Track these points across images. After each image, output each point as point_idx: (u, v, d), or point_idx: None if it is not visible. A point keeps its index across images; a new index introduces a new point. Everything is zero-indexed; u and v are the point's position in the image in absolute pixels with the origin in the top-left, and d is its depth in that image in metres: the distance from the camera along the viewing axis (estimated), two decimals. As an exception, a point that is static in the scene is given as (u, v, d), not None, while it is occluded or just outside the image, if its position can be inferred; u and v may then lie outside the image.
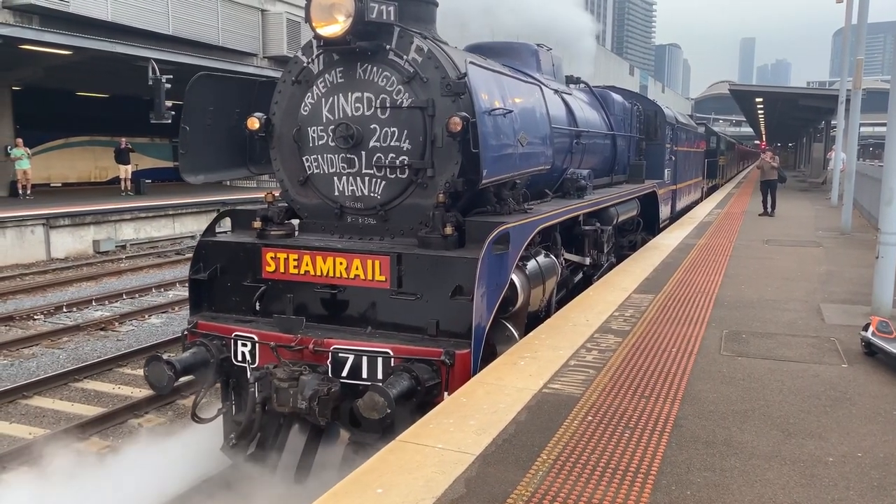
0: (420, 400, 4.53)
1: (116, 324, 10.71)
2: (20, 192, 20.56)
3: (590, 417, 3.93)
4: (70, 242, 16.86)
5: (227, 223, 6.23)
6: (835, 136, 23.76)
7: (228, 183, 21.58)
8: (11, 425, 7.06)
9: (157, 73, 18.29)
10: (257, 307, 5.54)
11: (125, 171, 23.98)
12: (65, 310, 11.54)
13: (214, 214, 6.52)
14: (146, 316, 11.22)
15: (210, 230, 5.95)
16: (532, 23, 9.56)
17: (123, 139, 24.48)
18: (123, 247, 17.93)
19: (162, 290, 13.22)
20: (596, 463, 3.38)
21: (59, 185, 26.56)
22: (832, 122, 29.67)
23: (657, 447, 3.58)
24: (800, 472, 3.37)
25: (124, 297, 12.60)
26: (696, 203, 19.34)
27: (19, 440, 6.63)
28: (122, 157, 24.07)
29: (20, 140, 20.79)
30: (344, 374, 4.80)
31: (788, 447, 3.64)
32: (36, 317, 11.09)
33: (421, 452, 3.46)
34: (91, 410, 7.38)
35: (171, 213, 19.83)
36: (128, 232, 18.44)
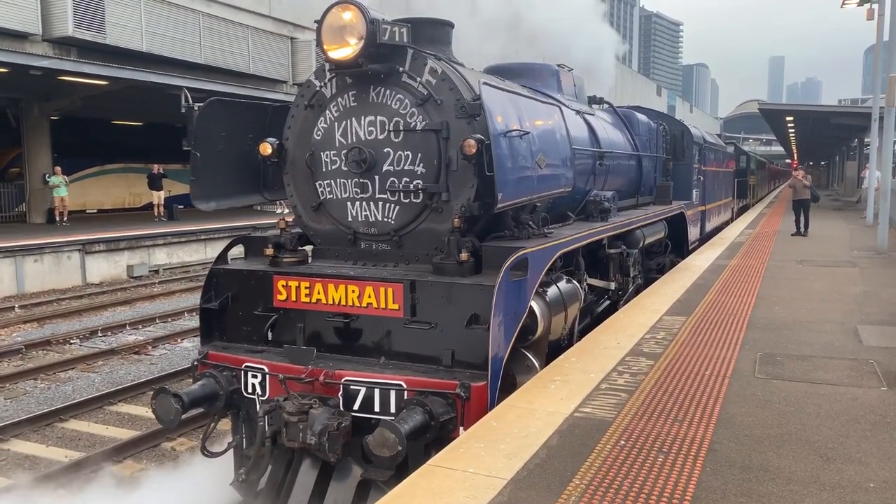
0: (434, 435, 4.34)
1: (150, 348, 10.86)
2: (57, 218, 21.07)
3: (622, 442, 3.89)
4: (105, 268, 17.19)
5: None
6: (869, 154, 23.41)
7: (259, 208, 21.89)
8: (48, 448, 7.18)
9: (190, 101, 18.69)
10: (269, 337, 5.43)
11: (158, 198, 24.45)
12: (100, 334, 11.74)
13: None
14: (178, 340, 11.36)
15: (222, 258, 5.82)
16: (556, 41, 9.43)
17: (156, 166, 24.99)
18: (156, 271, 18.23)
19: (194, 314, 13.37)
20: (629, 488, 3.34)
21: (95, 211, 27.16)
22: (865, 140, 29.26)
23: (692, 472, 3.52)
24: (840, 498, 3.29)
25: (157, 321, 12.79)
26: (726, 224, 19.11)
27: (56, 463, 6.72)
28: (155, 184, 24.56)
29: (58, 168, 21.36)
30: (356, 407, 4.64)
31: (827, 472, 3.55)
32: (72, 341, 11.30)
33: (451, 477, 3.44)
34: (125, 434, 7.48)
35: (202, 238, 20.14)
36: (161, 257, 18.76)
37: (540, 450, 3.76)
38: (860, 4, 19.90)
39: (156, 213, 24.21)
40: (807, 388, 4.92)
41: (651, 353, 5.68)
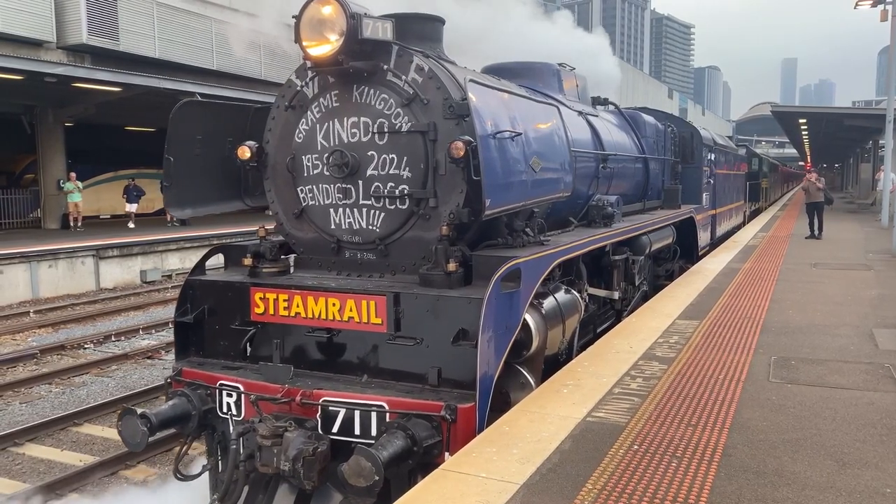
0: (417, 461, 4.01)
1: (162, 352, 10.93)
2: (71, 224, 21.25)
3: (635, 446, 3.87)
4: (118, 273, 17.32)
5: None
6: (883, 156, 23.24)
7: (269, 212, 22.14)
8: (63, 452, 7.22)
9: (202, 107, 18.82)
10: (248, 352, 5.12)
11: (171, 203, 24.57)
12: (113, 338, 11.84)
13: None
14: (191, 344, 11.41)
15: (199, 268, 5.46)
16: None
17: (169, 171, 25.11)
18: (169, 276, 18.34)
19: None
20: (643, 493, 3.32)
21: (108, 216, 27.36)
22: (880, 142, 29.04)
23: (705, 477, 3.49)
24: (856, 503, 3.26)
25: (170, 325, 12.81)
26: (737, 228, 18.94)
27: (70, 467, 6.76)
28: (168, 189, 24.69)
29: (73, 174, 21.55)
30: (335, 429, 4.32)
31: (843, 478, 3.52)
32: (86, 346, 11.40)
33: (463, 482, 3.43)
34: (138, 438, 7.50)
35: (214, 242, 20.15)
36: (173, 262, 18.87)
37: (552, 454, 3.75)
38: (874, 5, 19.78)
39: (168, 219, 24.32)
40: (822, 392, 4.88)
41: (664, 358, 5.66)
